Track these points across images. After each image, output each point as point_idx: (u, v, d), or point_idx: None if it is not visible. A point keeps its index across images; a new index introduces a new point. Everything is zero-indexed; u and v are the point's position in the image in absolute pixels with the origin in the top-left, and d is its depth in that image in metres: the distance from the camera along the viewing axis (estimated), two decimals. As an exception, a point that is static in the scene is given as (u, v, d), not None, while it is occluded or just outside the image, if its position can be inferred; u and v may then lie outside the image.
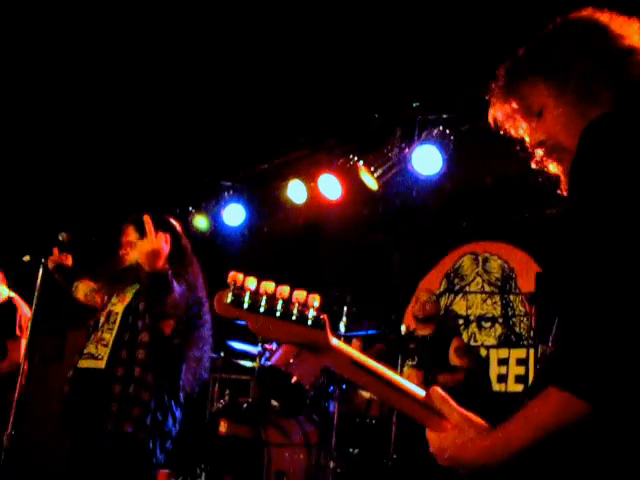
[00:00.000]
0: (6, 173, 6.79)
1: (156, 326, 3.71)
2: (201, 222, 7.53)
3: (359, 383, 1.57)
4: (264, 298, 1.52)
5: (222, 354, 6.50)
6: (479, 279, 6.84)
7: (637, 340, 1.28)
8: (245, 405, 5.72)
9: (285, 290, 1.52)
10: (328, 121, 6.42)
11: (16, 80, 6.29)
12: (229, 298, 1.52)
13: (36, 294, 4.56)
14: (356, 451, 5.56)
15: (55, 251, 4.28)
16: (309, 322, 1.52)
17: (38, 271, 4.53)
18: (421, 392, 1.58)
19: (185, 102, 6.51)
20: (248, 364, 6.23)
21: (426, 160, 5.74)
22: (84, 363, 3.76)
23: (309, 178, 6.58)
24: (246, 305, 1.52)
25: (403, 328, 5.49)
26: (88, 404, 3.62)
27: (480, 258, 6.86)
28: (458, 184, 6.31)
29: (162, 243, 3.48)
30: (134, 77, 6.29)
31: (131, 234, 3.93)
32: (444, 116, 5.85)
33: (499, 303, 6.68)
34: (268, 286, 1.52)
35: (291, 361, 5.56)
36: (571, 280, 1.39)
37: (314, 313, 1.52)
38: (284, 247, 7.57)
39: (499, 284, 6.70)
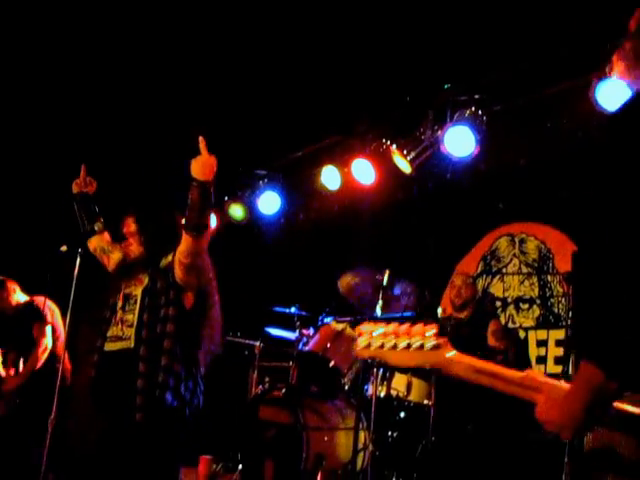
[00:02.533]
0: (42, 164, 6.90)
1: (179, 299, 3.82)
2: (237, 211, 7.59)
3: (484, 385, 1.91)
4: (389, 337, 1.95)
5: (261, 341, 6.57)
6: (516, 260, 6.78)
7: None
8: (284, 390, 5.76)
9: (404, 328, 1.95)
10: (360, 106, 6.41)
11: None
12: (363, 343, 1.99)
13: (74, 283, 4.65)
14: (394, 434, 5.56)
15: (83, 170, 4.29)
16: (427, 346, 1.92)
17: (75, 261, 4.61)
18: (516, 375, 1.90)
19: (218, 93, 6.55)
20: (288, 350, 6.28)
21: (459, 142, 5.71)
22: (112, 346, 3.88)
23: (343, 164, 6.59)
24: (375, 345, 1.97)
25: (439, 311, 5.48)
26: (122, 384, 3.73)
27: (516, 239, 6.80)
28: (492, 165, 6.27)
29: (214, 160, 3.67)
30: (166, 67, 6.34)
31: (131, 225, 4.01)
32: (476, 97, 5.81)
33: (537, 284, 6.61)
34: (390, 327, 1.96)
35: (328, 345, 5.60)
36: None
37: (432, 339, 1.92)
38: (320, 233, 7.59)
39: (536, 265, 6.63)
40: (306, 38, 5.96)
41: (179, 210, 3.89)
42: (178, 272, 3.77)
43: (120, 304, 3.94)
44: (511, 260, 6.82)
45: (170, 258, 3.84)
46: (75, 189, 4.32)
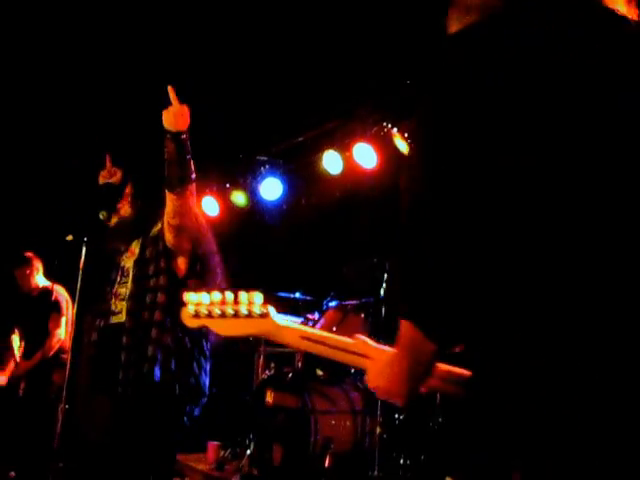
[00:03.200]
0: (45, 154, 6.91)
1: (170, 267, 3.71)
2: (239, 198, 7.60)
3: (312, 352, 1.95)
4: (216, 305, 1.96)
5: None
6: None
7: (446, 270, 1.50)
8: (290, 375, 5.79)
9: (230, 295, 1.95)
10: (360, 90, 6.40)
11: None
12: (190, 312, 1.98)
13: (80, 273, 4.64)
14: (401, 417, 5.58)
15: (108, 160, 4.23)
16: (255, 314, 1.93)
17: (81, 250, 4.61)
18: (347, 342, 1.90)
19: (218, 79, 6.54)
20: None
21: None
22: (107, 321, 3.80)
23: (344, 148, 6.58)
24: (203, 314, 1.97)
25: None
26: (114, 359, 3.64)
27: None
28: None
29: (186, 109, 3.54)
30: (165, 50, 6.33)
31: (127, 187, 3.98)
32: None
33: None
34: (216, 296, 1.96)
35: (334, 329, 5.62)
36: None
37: (258, 307, 1.92)
38: (322, 218, 7.59)
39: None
40: (305, 22, 5.94)
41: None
42: (167, 235, 3.63)
43: (117, 278, 3.86)
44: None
45: (160, 226, 3.75)
46: (101, 180, 4.28)
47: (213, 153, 7.15)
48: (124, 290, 3.76)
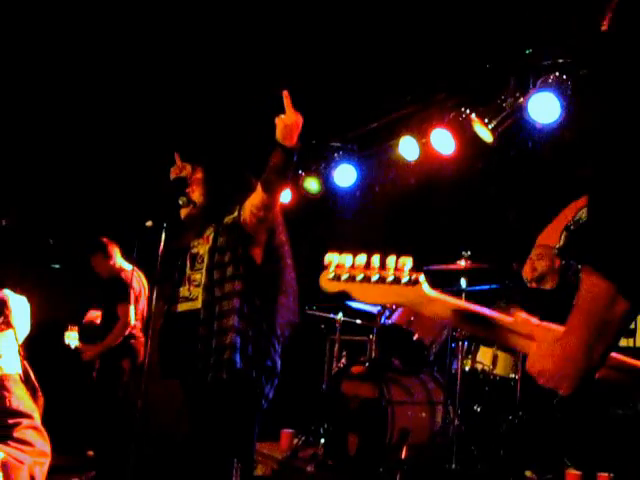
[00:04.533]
0: (130, 142, 6.97)
1: (247, 255, 3.76)
2: (312, 184, 7.54)
3: (463, 329, 1.71)
4: (360, 269, 1.77)
5: (341, 315, 6.54)
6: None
7: None
8: (367, 364, 5.73)
9: (376, 259, 1.75)
10: (438, 74, 6.27)
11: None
12: (330, 274, 1.80)
13: (159, 259, 4.66)
14: (480, 408, 5.49)
15: (177, 158, 4.31)
16: (404, 280, 1.73)
17: (160, 236, 4.62)
18: (505, 320, 1.67)
19: (293, 66, 6.49)
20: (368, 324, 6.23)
21: (543, 108, 5.52)
22: (179, 307, 3.85)
23: (421, 134, 6.45)
24: (344, 278, 1.78)
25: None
26: (190, 345, 3.70)
27: (602, 209, 6.58)
28: (578, 132, 6.06)
29: (300, 119, 3.57)
30: (239, 38, 6.31)
31: (199, 173, 4.02)
32: (560, 61, 5.61)
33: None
34: (360, 259, 1.77)
35: (412, 319, 5.53)
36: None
37: (407, 273, 1.73)
38: (397, 206, 7.49)
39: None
40: (382, 6, 5.83)
41: (251, 169, 3.89)
42: (249, 223, 3.74)
43: (188, 264, 3.92)
44: (596, 230, 6.60)
45: (235, 214, 3.81)
46: (172, 175, 4.38)
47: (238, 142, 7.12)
48: (199, 276, 3.81)
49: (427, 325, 5.52)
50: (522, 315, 1.65)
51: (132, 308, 6.31)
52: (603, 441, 5.00)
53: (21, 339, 2.37)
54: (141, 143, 7.12)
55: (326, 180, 7.48)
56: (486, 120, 5.84)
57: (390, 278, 1.74)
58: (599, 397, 4.99)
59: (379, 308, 5.93)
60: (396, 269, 1.74)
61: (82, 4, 6.01)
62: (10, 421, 2.23)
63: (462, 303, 1.75)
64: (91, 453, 6.71)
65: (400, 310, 5.65)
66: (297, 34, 6.27)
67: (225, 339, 3.64)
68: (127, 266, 6.51)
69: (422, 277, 1.73)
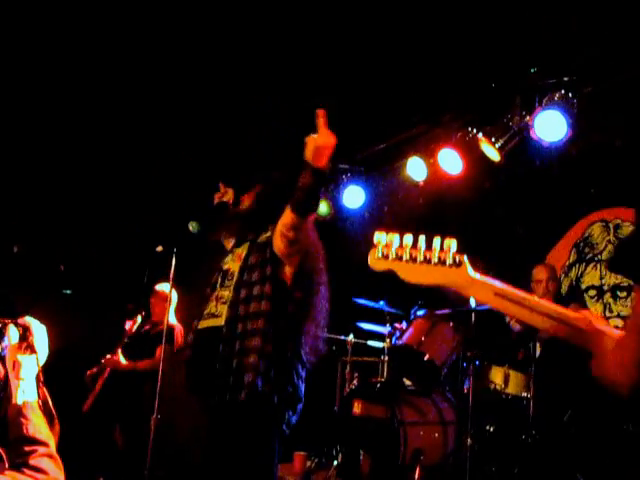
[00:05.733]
0: (140, 167, 7.00)
1: (276, 275, 3.68)
2: (321, 207, 7.57)
3: (507, 313, 1.73)
4: (407, 249, 1.82)
5: (352, 336, 6.54)
6: (611, 247, 6.55)
7: None
8: (378, 385, 5.71)
9: (423, 240, 1.81)
10: (444, 95, 6.30)
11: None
12: (378, 253, 1.84)
13: (170, 283, 4.70)
14: (492, 428, 5.46)
15: (221, 186, 4.35)
16: (448, 262, 1.78)
17: (171, 261, 4.67)
18: (570, 315, 1.70)
19: (298, 88, 6.53)
20: (378, 345, 6.23)
21: (549, 126, 5.54)
22: (204, 323, 3.80)
23: (428, 154, 6.48)
24: (392, 257, 1.83)
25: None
26: (211, 362, 3.65)
27: (611, 225, 6.58)
28: (584, 149, 6.08)
29: (333, 140, 3.50)
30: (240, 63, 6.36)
31: (258, 186, 4.04)
32: (565, 79, 5.64)
33: (634, 270, 6.39)
34: (407, 239, 1.83)
35: (423, 339, 5.53)
36: None
37: (452, 255, 1.78)
38: (406, 226, 7.47)
39: (633, 251, 6.40)
40: (387, 29, 5.88)
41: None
42: (279, 244, 3.66)
43: (219, 281, 3.88)
44: (606, 247, 6.60)
45: (269, 233, 3.79)
46: (216, 200, 4.43)
47: (295, 161, 7.15)
48: (227, 293, 3.76)
49: (438, 345, 5.52)
50: (589, 315, 1.69)
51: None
52: (616, 457, 4.97)
53: (40, 365, 2.39)
54: (151, 168, 7.16)
55: (335, 202, 7.51)
56: (493, 139, 5.88)
57: (435, 259, 1.78)
58: (611, 413, 4.96)
59: (390, 329, 5.94)
60: (441, 250, 1.79)
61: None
62: (26, 448, 2.24)
63: (505, 287, 1.77)
64: (101, 480, 6.71)
65: (411, 330, 5.65)
66: (306, 57, 6.32)
67: (247, 360, 3.57)
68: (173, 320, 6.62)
69: (466, 259, 1.77)
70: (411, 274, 1.81)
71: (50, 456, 2.25)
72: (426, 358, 5.47)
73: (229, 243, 4.16)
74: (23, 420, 2.23)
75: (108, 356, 6.64)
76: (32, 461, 2.18)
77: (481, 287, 1.77)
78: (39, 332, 2.39)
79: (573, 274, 6.74)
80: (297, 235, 3.62)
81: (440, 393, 5.73)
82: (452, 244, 1.79)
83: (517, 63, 5.79)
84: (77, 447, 6.18)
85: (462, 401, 5.42)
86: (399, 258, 1.81)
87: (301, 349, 3.70)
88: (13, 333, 2.34)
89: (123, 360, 6.57)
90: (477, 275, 1.77)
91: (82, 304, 8.58)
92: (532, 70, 5.80)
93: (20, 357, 2.32)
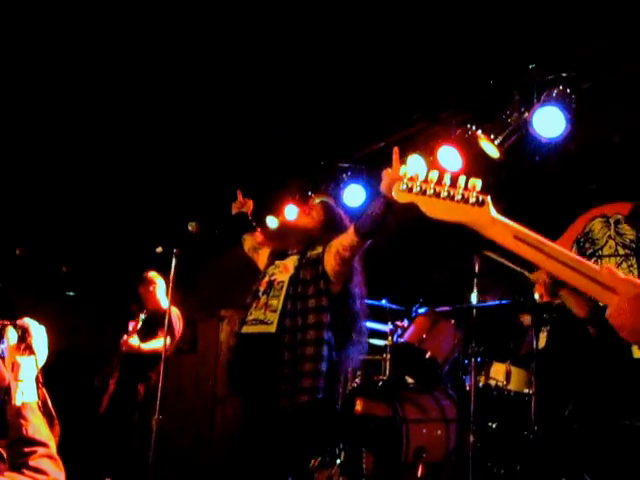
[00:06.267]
0: (140, 169, 7.01)
1: (329, 289, 3.94)
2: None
3: (526, 257, 1.80)
4: (431, 184, 1.84)
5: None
6: (612, 242, 6.55)
7: None
8: (380, 383, 5.72)
9: (448, 176, 1.84)
10: (443, 92, 6.30)
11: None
12: (403, 185, 1.86)
13: (170, 284, 4.71)
14: (495, 425, 5.46)
15: (239, 194, 4.51)
16: (471, 200, 1.81)
17: (171, 261, 4.68)
18: (590, 266, 1.71)
19: (297, 87, 6.53)
20: (380, 343, 6.23)
21: (548, 122, 5.54)
22: (251, 329, 3.92)
23: (428, 152, 6.47)
24: (416, 190, 1.84)
25: (537, 296, 5.34)
26: (260, 367, 3.77)
27: (611, 220, 6.57)
28: (583, 145, 6.07)
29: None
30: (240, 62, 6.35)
31: (319, 208, 4.18)
32: (563, 75, 5.63)
33: (635, 266, 6.38)
34: (433, 174, 1.85)
35: (424, 337, 5.54)
36: None
37: (475, 194, 1.82)
38: (406, 223, 7.48)
39: (634, 246, 6.40)
40: (387, 24, 5.87)
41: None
42: (332, 262, 3.88)
43: (263, 289, 4.01)
44: (607, 242, 6.59)
45: (320, 250, 3.94)
46: (234, 210, 4.59)
47: (294, 160, 7.16)
48: (276, 302, 3.90)
49: (439, 343, 5.53)
50: (610, 267, 1.69)
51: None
52: (620, 453, 4.97)
53: (39, 366, 2.40)
54: (151, 169, 7.17)
55: (335, 201, 7.50)
56: (492, 136, 5.87)
57: (459, 196, 1.81)
58: (614, 408, 4.97)
59: (391, 326, 5.94)
60: (465, 188, 1.82)
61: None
62: (26, 449, 2.25)
63: (525, 230, 1.80)
64: (109, 480, 6.73)
65: (412, 328, 5.66)
66: (304, 55, 6.31)
67: (310, 366, 3.79)
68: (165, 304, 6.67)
69: (489, 199, 1.81)
70: (434, 209, 1.82)
71: (50, 457, 2.26)
72: (427, 356, 5.48)
73: (262, 254, 4.30)
74: (22, 421, 2.24)
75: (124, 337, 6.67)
76: (32, 462, 2.19)
77: (502, 228, 1.80)
78: (38, 333, 2.41)
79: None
80: (351, 256, 3.89)
81: (442, 390, 5.73)
82: (477, 183, 1.82)
83: (515, 59, 5.78)
84: (87, 448, 6.23)
85: (464, 398, 5.43)
86: (423, 192, 1.82)
87: (347, 359, 3.89)
88: (12, 334, 2.35)
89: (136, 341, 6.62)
90: (499, 216, 1.80)
91: (85, 306, 8.61)
92: (530, 66, 5.79)
93: (19, 358, 2.33)
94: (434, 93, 6.32)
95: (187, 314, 6.94)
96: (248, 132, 6.99)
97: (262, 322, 3.90)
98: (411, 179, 1.85)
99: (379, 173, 7.35)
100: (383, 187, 3.66)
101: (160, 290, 6.78)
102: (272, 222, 7.49)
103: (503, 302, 5.36)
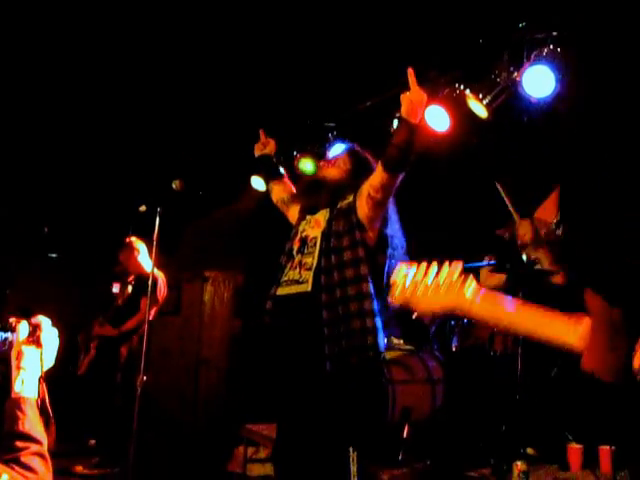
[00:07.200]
0: (121, 126, 6.91)
1: (365, 240, 3.71)
2: (307, 165, 7.46)
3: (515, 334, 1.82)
4: (420, 281, 1.94)
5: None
6: (599, 204, 6.53)
7: None
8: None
9: (434, 270, 1.92)
10: (430, 51, 6.21)
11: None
12: (397, 292, 2.00)
13: (154, 243, 4.65)
14: (481, 385, 5.47)
15: (262, 134, 4.31)
16: (453, 288, 1.88)
17: (155, 221, 4.60)
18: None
19: (283, 48, 6.43)
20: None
21: (538, 82, 5.47)
22: (285, 290, 3.73)
23: (415, 111, 6.39)
24: (409, 291, 1.97)
25: (524, 257, 5.32)
26: (299, 330, 3.59)
27: (598, 182, 6.55)
28: (573, 106, 6.02)
29: (425, 97, 3.67)
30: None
31: (346, 157, 4.00)
32: (554, 34, 5.55)
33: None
34: (418, 270, 1.95)
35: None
36: None
37: (455, 280, 1.89)
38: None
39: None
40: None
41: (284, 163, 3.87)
42: (364, 207, 3.66)
43: (297, 247, 3.82)
44: (593, 203, 6.57)
45: (350, 199, 3.76)
46: (256, 152, 4.39)
47: (279, 120, 7.07)
48: (310, 260, 3.70)
49: (426, 303, 5.51)
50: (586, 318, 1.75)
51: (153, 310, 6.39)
52: (602, 413, 4.99)
53: (45, 368, 2.35)
54: (133, 128, 7.07)
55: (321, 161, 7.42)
56: (480, 95, 5.80)
57: (442, 287, 1.90)
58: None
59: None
60: (448, 275, 1.89)
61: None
62: (19, 444, 2.19)
63: (508, 306, 1.87)
64: (93, 442, 6.73)
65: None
66: (291, 15, 6.21)
67: (355, 324, 3.56)
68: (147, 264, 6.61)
69: (470, 283, 1.85)
70: (424, 304, 1.95)
71: (42, 456, 2.22)
72: (414, 316, 5.46)
73: (293, 209, 4.10)
74: (20, 414, 2.20)
75: (97, 327, 6.67)
76: (23, 458, 2.15)
77: (479, 309, 1.87)
78: (49, 331, 2.36)
79: (561, 232, 6.71)
80: (385, 196, 3.65)
81: (428, 351, 5.72)
82: (456, 269, 1.88)
83: (505, 18, 5.70)
84: (70, 411, 6.20)
85: (450, 359, 5.42)
86: (413, 293, 1.95)
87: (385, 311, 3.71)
88: (23, 329, 2.32)
89: (110, 329, 6.62)
90: (475, 297, 1.85)
91: (68, 266, 8.53)
92: (520, 25, 5.71)
93: (24, 347, 2.29)
94: (422, 52, 6.23)
95: (171, 275, 6.88)
96: (234, 90, 6.90)
97: (297, 282, 3.65)
98: (402, 284, 1.98)
99: (365, 133, 7.32)
100: (404, 112, 3.51)
101: (142, 256, 6.72)
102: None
103: (491, 263, 5.34)
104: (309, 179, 4.15)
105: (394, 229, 3.82)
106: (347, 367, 3.53)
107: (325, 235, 3.72)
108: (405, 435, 5.09)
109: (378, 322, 3.57)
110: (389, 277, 3.75)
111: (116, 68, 6.61)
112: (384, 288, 3.65)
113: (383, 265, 3.70)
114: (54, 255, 8.80)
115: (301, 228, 3.90)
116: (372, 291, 3.58)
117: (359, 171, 3.96)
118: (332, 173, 4.01)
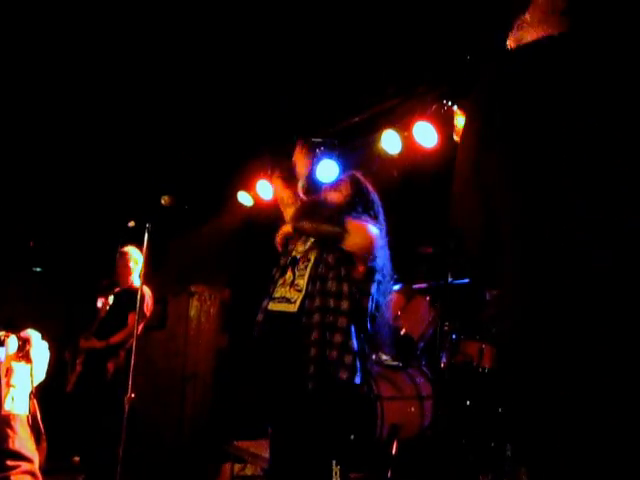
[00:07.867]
0: (109, 141, 6.88)
1: (350, 273, 3.71)
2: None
3: None
4: None
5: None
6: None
7: None
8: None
9: None
10: (419, 67, 6.23)
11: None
12: None
13: (143, 259, 4.62)
14: (468, 402, 5.47)
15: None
16: None
17: (143, 236, 4.58)
18: None
19: (270, 61, 6.43)
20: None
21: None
22: (277, 306, 3.76)
23: (403, 127, 6.40)
24: None
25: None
26: (282, 347, 3.61)
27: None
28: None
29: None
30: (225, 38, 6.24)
31: (347, 183, 4.04)
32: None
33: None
34: None
35: (399, 313, 5.50)
36: None
37: None
38: (380, 199, 7.45)
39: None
40: (359, 2, 5.79)
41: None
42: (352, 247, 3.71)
43: (290, 263, 3.84)
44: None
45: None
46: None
47: (267, 135, 7.06)
48: (302, 282, 3.72)
49: (414, 320, 5.50)
50: None
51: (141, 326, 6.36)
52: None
53: (35, 383, 2.31)
54: (121, 143, 7.04)
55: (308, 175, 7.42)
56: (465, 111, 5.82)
57: None
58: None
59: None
60: None
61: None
62: (9, 463, 2.15)
63: None
64: (77, 459, 6.67)
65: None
66: (278, 31, 6.21)
67: (337, 354, 3.55)
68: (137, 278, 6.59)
69: None
70: None
71: (33, 474, 2.18)
72: (402, 333, 5.46)
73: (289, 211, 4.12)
74: (10, 432, 2.16)
75: (83, 340, 6.63)
76: (14, 477, 2.11)
77: None
78: (39, 345, 2.33)
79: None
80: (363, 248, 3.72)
81: (417, 368, 5.72)
82: None
83: (492, 34, 5.72)
84: (55, 428, 6.14)
85: (438, 375, 5.42)
86: None
87: (374, 340, 3.73)
88: (12, 343, 2.27)
89: (96, 341, 6.58)
90: None
91: (53, 281, 8.47)
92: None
93: (14, 364, 2.25)
94: (410, 67, 6.25)
95: (157, 289, 6.84)
96: (221, 107, 6.89)
97: (287, 300, 3.66)
98: None
99: (353, 148, 7.33)
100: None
101: (136, 268, 6.69)
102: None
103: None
104: (310, 201, 4.16)
105: (383, 258, 3.86)
106: (327, 388, 3.55)
107: (316, 260, 3.75)
108: (394, 452, 5.08)
109: (353, 358, 3.59)
110: (373, 315, 3.80)
111: (105, 84, 6.58)
112: (366, 318, 3.71)
113: (367, 300, 3.75)
114: (39, 269, 8.73)
115: (296, 246, 3.93)
116: (350, 325, 3.61)
117: (355, 201, 4.02)
118: (333, 197, 4.06)
